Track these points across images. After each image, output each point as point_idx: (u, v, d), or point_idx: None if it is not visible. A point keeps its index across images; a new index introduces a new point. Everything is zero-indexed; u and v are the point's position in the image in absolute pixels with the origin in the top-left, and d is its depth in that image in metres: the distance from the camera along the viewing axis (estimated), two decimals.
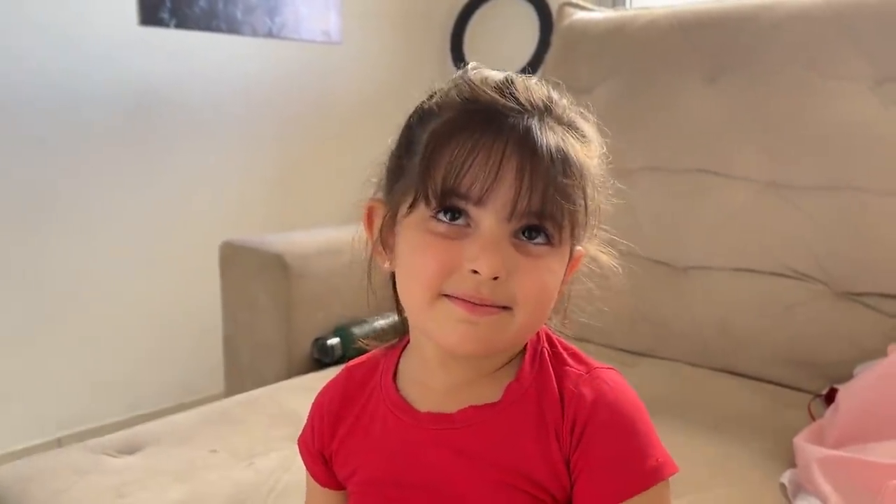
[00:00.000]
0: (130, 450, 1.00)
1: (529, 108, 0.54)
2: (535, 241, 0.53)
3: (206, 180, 2.11)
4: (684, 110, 1.46)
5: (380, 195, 0.60)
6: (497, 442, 0.55)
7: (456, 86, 0.56)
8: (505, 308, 0.52)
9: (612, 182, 0.60)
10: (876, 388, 1.02)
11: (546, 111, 0.55)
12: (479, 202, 0.52)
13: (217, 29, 2.06)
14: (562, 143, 0.53)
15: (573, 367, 0.57)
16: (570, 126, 0.56)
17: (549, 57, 1.78)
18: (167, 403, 2.01)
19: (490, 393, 0.57)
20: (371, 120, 2.27)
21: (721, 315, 1.34)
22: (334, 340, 1.35)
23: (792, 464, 0.99)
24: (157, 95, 1.98)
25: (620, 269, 0.62)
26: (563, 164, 0.53)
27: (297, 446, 0.67)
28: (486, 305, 0.52)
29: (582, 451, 0.54)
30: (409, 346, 0.63)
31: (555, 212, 0.52)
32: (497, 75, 0.56)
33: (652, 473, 0.53)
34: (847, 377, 1.14)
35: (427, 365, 0.59)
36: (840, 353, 1.22)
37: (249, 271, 1.38)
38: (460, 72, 0.58)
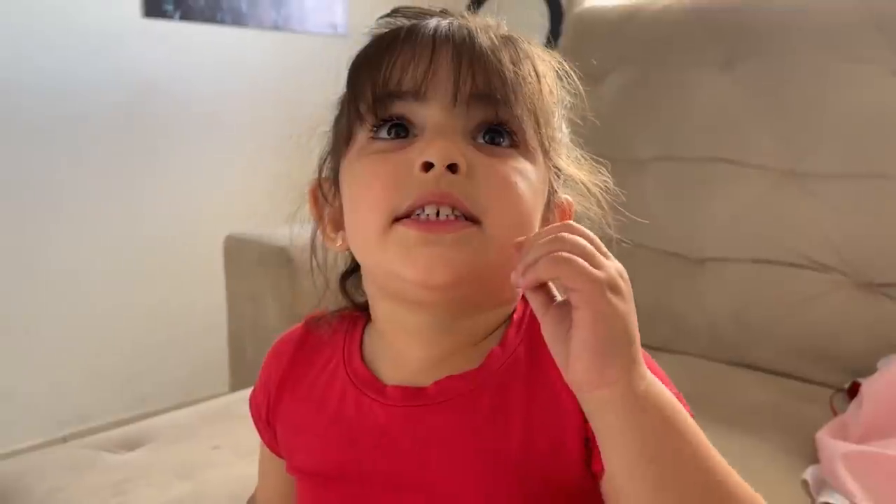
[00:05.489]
0: (131, 446, 0.98)
1: (462, 19, 0.49)
2: (499, 143, 0.47)
3: (210, 173, 2.09)
4: (699, 98, 1.42)
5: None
6: (479, 421, 0.47)
7: (383, 19, 0.51)
8: (472, 223, 0.44)
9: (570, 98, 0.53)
10: None
11: (485, 28, 0.49)
12: (419, 95, 0.45)
13: (221, 21, 2.04)
14: (505, 35, 0.49)
15: None
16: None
17: (561, 46, 1.75)
18: (172, 400, 1.98)
19: (473, 361, 0.49)
20: None
21: (738, 307, 1.30)
22: None
23: (813, 459, 0.95)
24: (161, 88, 1.96)
25: (600, 187, 0.54)
26: (506, 43, 0.47)
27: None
28: (448, 221, 0.44)
29: None
30: (371, 323, 0.54)
31: (507, 93, 0.46)
32: None
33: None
34: (869, 370, 1.11)
35: (398, 337, 0.51)
36: (861, 345, 1.18)
37: (253, 265, 1.36)
38: None
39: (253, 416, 0.61)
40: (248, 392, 1.18)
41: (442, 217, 0.44)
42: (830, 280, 1.23)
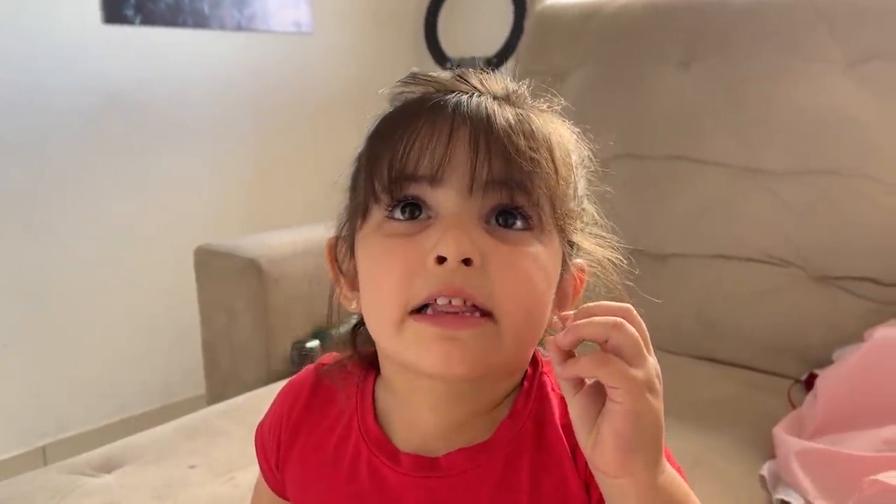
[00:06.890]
0: (109, 468, 0.98)
1: (482, 89, 0.48)
2: (513, 226, 0.46)
3: (179, 180, 2.08)
4: (658, 96, 1.45)
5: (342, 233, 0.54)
6: (488, 493, 0.49)
7: (401, 84, 0.51)
8: (485, 316, 0.45)
9: (594, 169, 0.53)
10: (853, 376, 1.03)
11: (504, 99, 0.48)
12: (434, 179, 0.45)
13: (184, 24, 2.02)
14: (521, 114, 0.47)
15: None
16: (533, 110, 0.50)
17: (522, 44, 1.76)
18: (150, 406, 2.00)
19: (484, 431, 0.50)
20: (347, 110, 2.24)
21: (699, 302, 1.34)
22: (313, 343, 1.34)
23: (772, 453, 0.99)
24: (125, 95, 1.94)
25: (619, 262, 0.55)
26: (523, 128, 0.46)
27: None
28: (464, 314, 0.44)
29: None
30: (381, 378, 0.54)
31: (524, 180, 0.45)
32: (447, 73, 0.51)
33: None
34: (826, 361, 1.15)
35: (410, 399, 0.51)
36: (818, 337, 1.22)
37: (225, 277, 1.36)
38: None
39: (259, 455, 0.59)
40: (224, 406, 1.20)
41: (455, 303, 0.44)
42: (788, 274, 1.27)
